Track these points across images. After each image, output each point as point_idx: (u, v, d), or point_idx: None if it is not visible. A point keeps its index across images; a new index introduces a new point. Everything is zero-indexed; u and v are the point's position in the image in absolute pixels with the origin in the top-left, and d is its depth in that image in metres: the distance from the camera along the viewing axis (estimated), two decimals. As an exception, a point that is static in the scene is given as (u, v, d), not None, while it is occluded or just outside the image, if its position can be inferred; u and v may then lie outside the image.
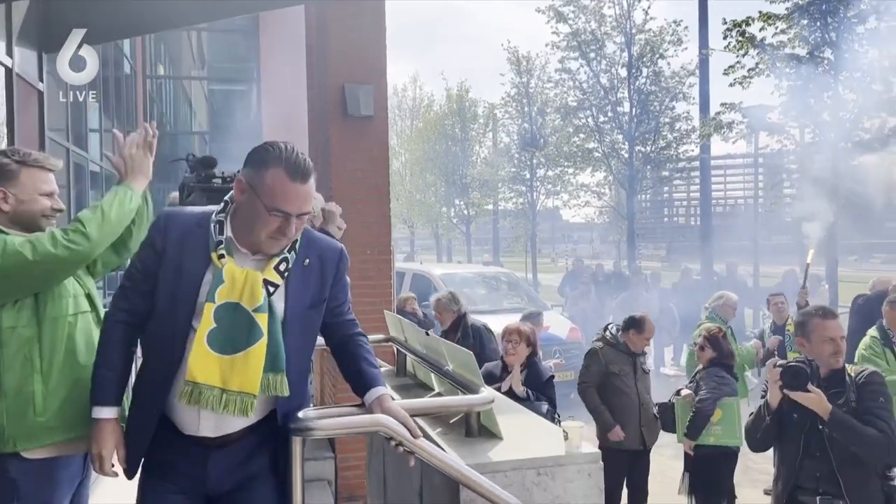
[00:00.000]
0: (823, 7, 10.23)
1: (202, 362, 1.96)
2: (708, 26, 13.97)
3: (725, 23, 11.22)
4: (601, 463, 2.50)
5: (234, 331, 1.97)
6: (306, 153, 2.05)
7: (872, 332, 5.72)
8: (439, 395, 3.36)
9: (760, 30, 11.05)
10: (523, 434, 2.67)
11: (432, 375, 3.52)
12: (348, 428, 2.19)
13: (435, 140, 26.61)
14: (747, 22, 11.07)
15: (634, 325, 5.07)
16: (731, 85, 11.44)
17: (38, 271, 2.14)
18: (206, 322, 1.96)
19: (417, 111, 31.28)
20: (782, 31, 10.96)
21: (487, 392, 2.56)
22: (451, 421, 2.81)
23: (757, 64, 10.99)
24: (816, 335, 3.11)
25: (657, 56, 15.49)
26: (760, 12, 11.06)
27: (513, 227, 23.66)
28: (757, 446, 3.42)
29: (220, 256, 2.00)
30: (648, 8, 15.62)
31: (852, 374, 3.16)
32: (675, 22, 15.67)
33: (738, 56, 11.13)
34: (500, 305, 10.90)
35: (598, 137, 15.79)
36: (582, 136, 16.52)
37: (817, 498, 3.09)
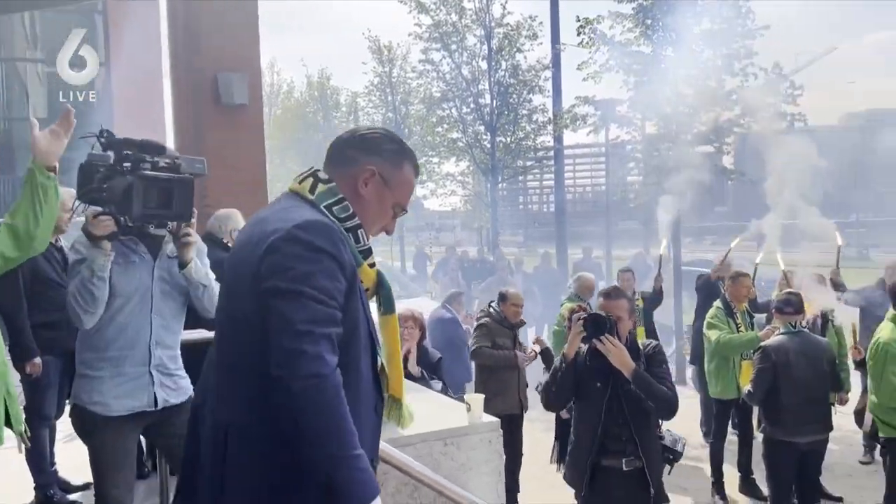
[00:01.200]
0: (665, 8, 11.09)
1: (399, 376, 1.89)
2: (559, 23, 14.78)
3: (579, 20, 11.91)
4: (500, 431, 2.73)
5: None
6: (168, 142, 2.12)
7: (717, 303, 6.47)
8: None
9: (610, 28, 11.83)
10: (427, 410, 2.85)
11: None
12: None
13: (296, 128, 26.16)
14: (598, 20, 11.82)
15: (503, 297, 5.86)
16: (584, 80, 12.18)
17: None
18: (392, 334, 1.89)
19: (276, 98, 30.54)
20: (629, 30, 11.77)
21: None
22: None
23: (607, 60, 11.76)
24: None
25: (515, 50, 16.13)
26: (609, 11, 11.84)
27: (379, 216, 23.80)
28: (552, 402, 3.74)
29: (372, 265, 1.82)
30: (506, 3, 16.22)
31: (641, 347, 3.68)
32: (530, 17, 16.37)
33: (590, 52, 11.86)
34: (374, 294, 11.00)
35: (462, 128, 16.24)
36: (446, 126, 16.93)
37: (623, 460, 3.51)
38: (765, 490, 5.89)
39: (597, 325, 3.44)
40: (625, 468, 3.50)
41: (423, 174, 19.15)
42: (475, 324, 5.96)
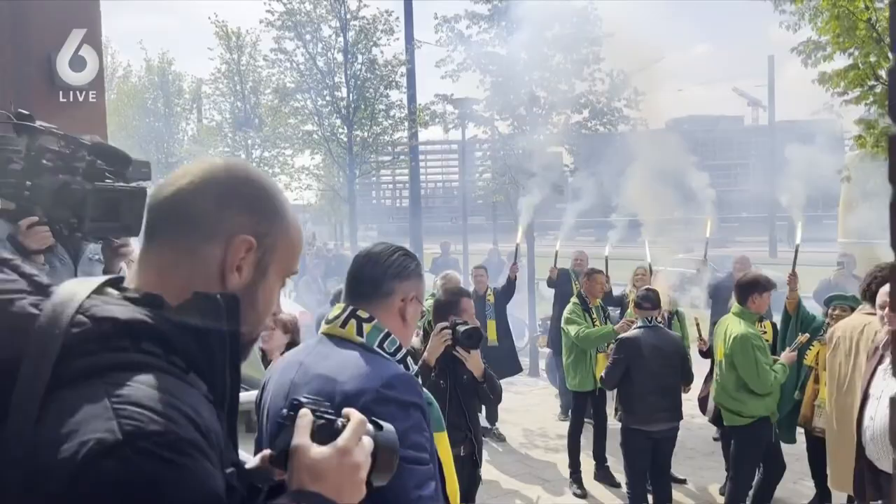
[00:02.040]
0: (519, 11, 11.41)
1: (455, 490, 2.02)
2: (413, 18, 14.83)
3: (437, 18, 12.00)
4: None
5: None
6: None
7: (574, 299, 6.73)
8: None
9: (467, 27, 12.02)
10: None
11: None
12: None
13: (133, 115, 24.39)
14: (456, 19, 11.97)
15: None
16: (442, 77, 12.28)
17: None
18: (445, 451, 1.98)
19: (110, 82, 28.32)
20: (485, 31, 12.02)
21: (270, 386, 2.53)
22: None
23: (465, 59, 11.93)
24: (467, 314, 3.78)
25: (371, 44, 15.94)
26: (466, 11, 12.03)
27: (228, 209, 22.74)
28: None
29: None
30: (362, -5, 15.97)
31: None
32: (387, 12, 16.25)
33: (448, 51, 11.98)
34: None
35: (318, 121, 15.83)
36: (300, 118, 16.43)
37: (461, 446, 3.79)
38: (619, 477, 6.21)
39: (471, 338, 3.59)
40: (462, 454, 3.78)
41: (275, 167, 18.50)
42: None
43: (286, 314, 4.40)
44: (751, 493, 5.18)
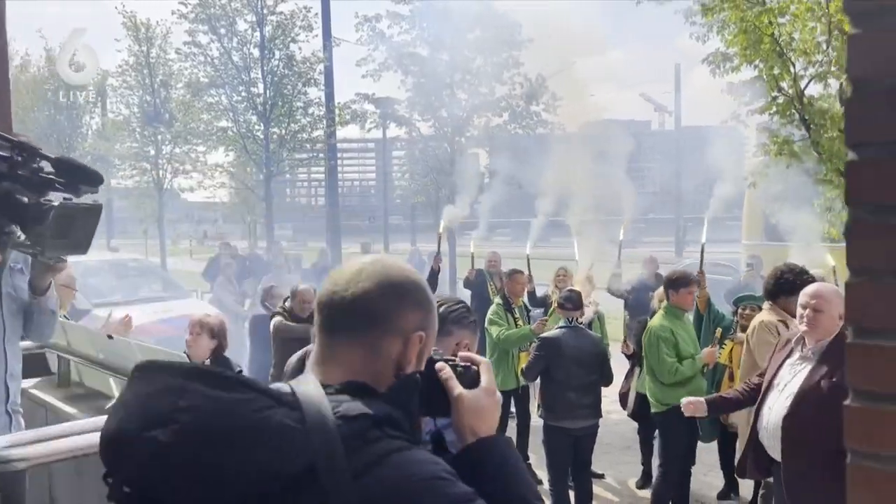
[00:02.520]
0: (440, 13, 11.50)
1: None
2: (330, 16, 14.70)
3: (357, 17, 11.93)
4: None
5: None
6: None
7: (497, 300, 6.82)
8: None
9: (388, 27, 12.01)
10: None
11: (111, 382, 3.20)
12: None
13: (32, 105, 23.04)
14: (377, 18, 11.94)
15: (293, 294, 5.92)
16: (363, 77, 12.22)
17: None
18: None
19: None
20: (406, 31, 12.05)
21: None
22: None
23: (386, 59, 11.91)
24: None
25: (289, 40, 15.70)
26: (388, 11, 12.03)
27: (137, 206, 21.75)
28: None
29: None
30: (280, -9, 15.70)
31: None
32: (305, 8, 16.02)
33: (369, 50, 11.94)
34: (136, 295, 10.09)
35: (233, 117, 15.45)
36: (213, 114, 16.00)
37: None
38: (540, 474, 6.33)
39: None
40: None
41: (187, 163, 17.92)
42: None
43: (213, 318, 4.28)
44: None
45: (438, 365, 1.29)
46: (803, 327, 3.46)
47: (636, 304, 7.85)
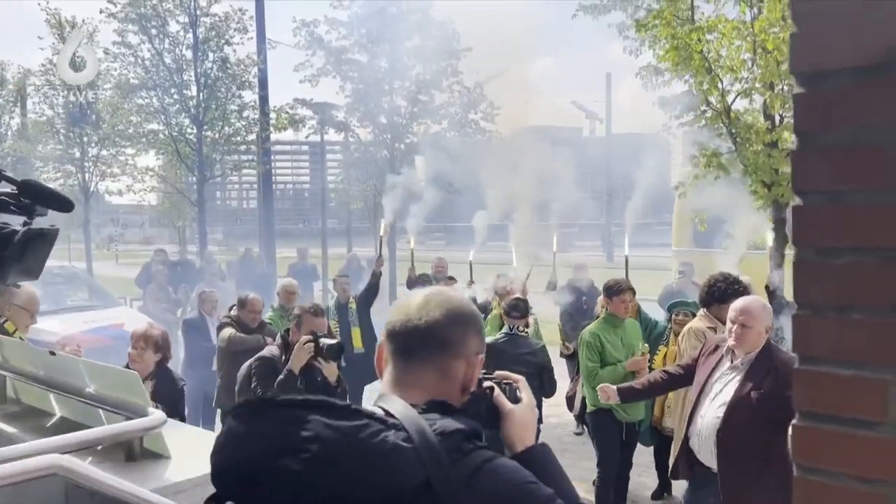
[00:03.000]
0: (379, 20, 11.52)
1: None
2: (265, 19, 14.52)
3: (296, 21, 11.83)
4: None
5: None
6: None
7: None
8: (65, 418, 3.00)
9: (326, 32, 11.95)
10: (194, 449, 2.59)
11: (51, 398, 3.12)
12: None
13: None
14: (315, 23, 11.87)
15: (242, 303, 5.88)
16: (301, 82, 12.13)
17: None
18: None
19: None
20: (344, 37, 12.01)
21: (158, 413, 2.42)
22: (101, 447, 2.56)
23: (325, 64, 11.85)
24: (305, 328, 4.26)
25: (223, 42, 15.40)
26: (326, 16, 11.97)
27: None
28: None
29: None
30: (214, -8, 15.39)
31: None
32: (240, 10, 15.76)
33: (307, 55, 11.85)
34: (63, 304, 9.71)
35: (164, 119, 15.04)
36: (144, 116, 15.54)
37: None
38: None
39: (337, 352, 4.16)
40: None
41: (114, 167, 17.35)
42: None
43: (156, 330, 4.20)
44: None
45: (487, 384, 1.48)
46: (731, 342, 3.66)
47: (570, 308, 8.03)
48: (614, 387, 4.34)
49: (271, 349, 4.49)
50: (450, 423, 1.24)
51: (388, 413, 1.24)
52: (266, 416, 1.17)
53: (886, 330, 0.86)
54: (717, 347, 3.92)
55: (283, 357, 4.28)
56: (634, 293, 5.82)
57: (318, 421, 1.14)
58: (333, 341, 4.19)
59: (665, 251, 17.95)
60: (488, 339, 5.58)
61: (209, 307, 7.34)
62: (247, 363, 4.45)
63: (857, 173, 0.88)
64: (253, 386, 4.25)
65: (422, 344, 1.38)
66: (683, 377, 4.15)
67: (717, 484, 3.63)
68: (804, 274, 0.93)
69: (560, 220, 9.34)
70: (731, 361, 3.72)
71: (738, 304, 3.72)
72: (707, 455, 3.71)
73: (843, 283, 0.89)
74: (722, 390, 3.70)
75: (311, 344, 4.04)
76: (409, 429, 1.19)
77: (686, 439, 3.87)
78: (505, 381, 1.53)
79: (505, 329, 5.52)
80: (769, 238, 6.82)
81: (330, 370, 4.23)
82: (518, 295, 6.13)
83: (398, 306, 1.43)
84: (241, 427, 1.17)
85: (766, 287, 6.76)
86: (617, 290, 5.35)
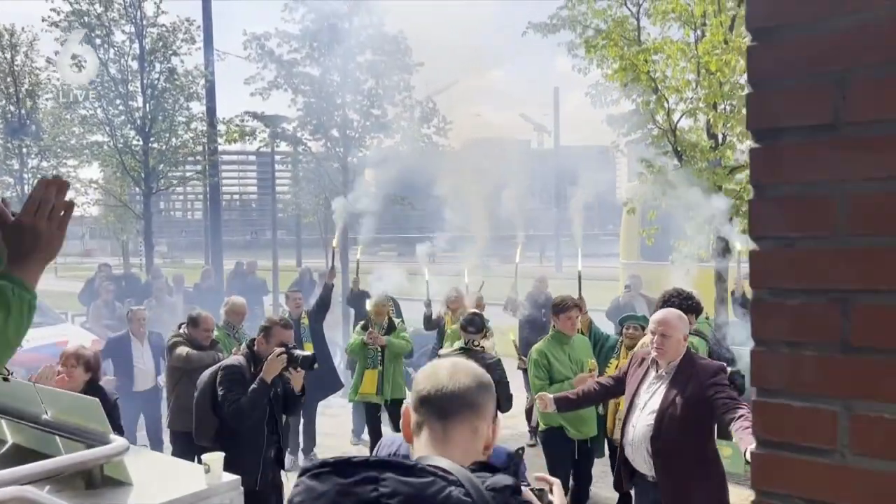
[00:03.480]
0: (331, 34, 11.51)
1: None
2: (212, 31, 14.36)
3: (246, 34, 11.73)
4: (241, 488, 2.59)
5: None
6: None
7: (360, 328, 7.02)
8: (18, 446, 2.93)
9: (277, 46, 11.87)
10: (156, 475, 2.57)
11: (3, 424, 3.05)
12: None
13: None
14: (266, 36, 11.79)
15: (194, 322, 5.77)
16: (252, 95, 12.02)
17: None
18: None
19: None
20: (296, 51, 11.94)
21: (120, 440, 2.40)
22: (61, 476, 2.52)
23: (276, 77, 11.77)
24: (275, 340, 4.42)
25: (171, 53, 15.15)
26: (277, 29, 11.89)
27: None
28: (253, 420, 4.39)
29: None
30: (161, 2, 15.13)
31: None
32: (187, 20, 15.54)
33: (258, 68, 11.75)
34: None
35: (109, 131, 14.68)
36: (87, 127, 15.13)
37: (271, 449, 4.50)
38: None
39: (311, 363, 4.39)
40: (272, 455, 4.43)
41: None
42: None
43: (88, 350, 4.15)
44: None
45: (525, 492, 1.66)
46: (654, 352, 3.83)
47: (527, 321, 8.16)
48: (551, 395, 4.46)
49: (237, 358, 4.51)
50: (501, 480, 1.39)
51: (442, 470, 1.37)
52: (345, 475, 1.30)
53: (834, 364, 0.95)
54: (643, 360, 4.09)
55: (251, 367, 4.34)
56: (581, 310, 5.91)
57: (392, 478, 1.28)
58: (307, 353, 4.48)
59: (611, 261, 18.31)
60: (442, 352, 5.64)
61: (136, 326, 7.14)
62: (208, 372, 4.46)
63: (806, 221, 0.97)
64: (221, 394, 4.23)
65: (457, 406, 1.56)
66: (616, 387, 4.35)
67: (656, 492, 3.77)
68: (760, 313, 1.01)
69: (510, 232, 9.44)
70: (657, 371, 3.89)
71: (657, 316, 3.93)
72: (642, 463, 3.86)
73: (794, 322, 0.98)
74: (650, 399, 3.87)
75: (285, 355, 4.21)
76: (466, 485, 1.33)
77: (622, 450, 4.02)
78: (538, 488, 1.76)
79: (459, 343, 5.55)
80: (736, 250, 7.06)
81: (297, 380, 4.41)
82: (473, 309, 6.19)
83: (427, 376, 1.61)
84: (320, 486, 1.30)
85: (732, 292, 7.02)
86: (563, 307, 5.42)
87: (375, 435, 6.87)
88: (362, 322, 6.99)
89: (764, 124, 1.00)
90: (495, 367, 5.65)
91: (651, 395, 3.86)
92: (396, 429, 6.99)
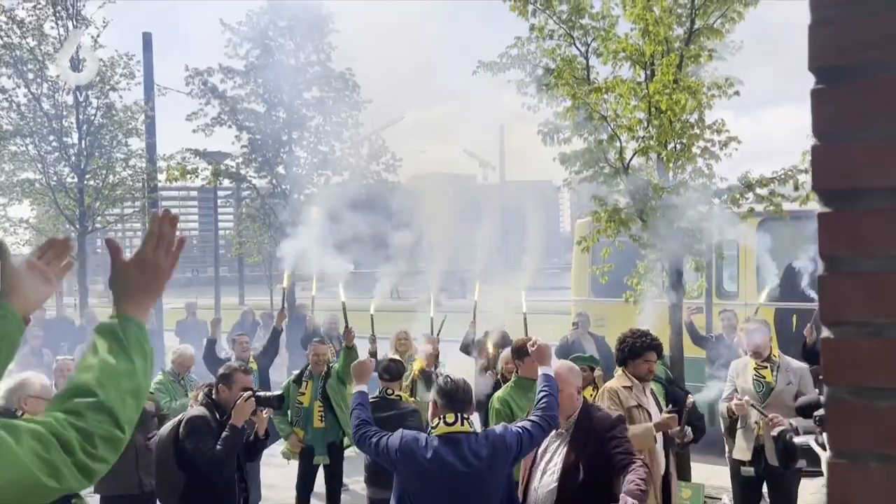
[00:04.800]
0: (275, 72, 11.29)
1: None
2: (153, 67, 13.95)
3: (188, 70, 11.41)
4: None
5: None
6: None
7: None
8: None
9: (221, 81, 11.58)
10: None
11: None
12: None
13: None
14: (209, 72, 11.49)
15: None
16: (194, 132, 11.66)
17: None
18: None
19: None
20: (240, 86, 11.67)
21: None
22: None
23: (219, 114, 11.46)
24: (238, 385, 4.33)
25: (108, 88, 14.65)
26: (220, 65, 11.61)
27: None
28: (227, 463, 4.28)
29: None
30: (98, 36, 14.67)
31: None
32: (126, 55, 15.10)
33: (201, 104, 11.42)
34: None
35: (42, 168, 14.03)
36: (18, 163, 14.44)
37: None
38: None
39: (279, 402, 4.54)
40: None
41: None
42: None
43: None
44: None
45: None
46: None
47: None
48: None
49: (198, 409, 4.38)
50: None
51: None
52: None
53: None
54: None
55: (214, 416, 4.25)
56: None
57: None
58: (275, 393, 4.62)
59: (557, 294, 18.30)
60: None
61: (60, 378, 6.70)
62: (166, 428, 4.25)
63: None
64: (191, 447, 4.04)
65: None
66: None
67: None
68: (840, 417, 0.82)
69: (459, 267, 9.28)
70: (555, 430, 3.70)
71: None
72: None
73: (887, 429, 0.79)
74: (551, 460, 3.71)
75: (253, 398, 4.20)
76: None
77: None
78: None
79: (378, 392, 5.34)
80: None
81: (262, 424, 4.41)
82: (427, 349, 5.96)
83: None
84: None
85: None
86: (526, 351, 5.20)
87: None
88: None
89: (835, 184, 0.82)
90: (410, 417, 5.31)
91: (552, 455, 3.71)
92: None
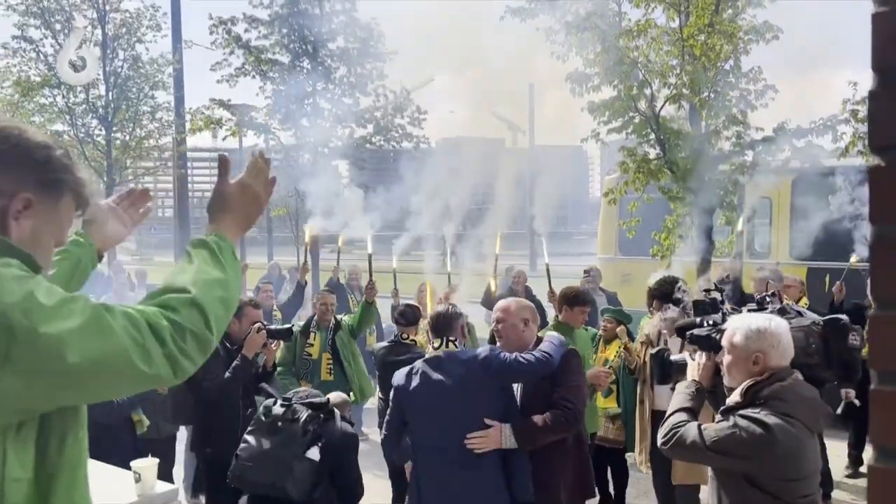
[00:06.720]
0: (301, 21, 11.08)
1: None
2: (181, 16, 13.82)
3: (212, 19, 11.25)
4: (180, 499, 2.23)
5: None
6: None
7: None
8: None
9: (245, 31, 11.41)
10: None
11: None
12: None
13: None
14: (233, 21, 11.31)
15: None
16: (218, 82, 11.55)
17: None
18: None
19: None
20: (265, 37, 11.49)
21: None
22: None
23: (244, 64, 11.32)
24: (247, 319, 4.38)
25: (135, 40, 14.60)
26: (245, 14, 11.43)
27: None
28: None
29: None
30: (125, -13, 14.58)
31: None
32: (153, 6, 15.00)
33: (225, 54, 11.29)
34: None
35: (70, 120, 14.09)
36: (47, 116, 14.52)
37: None
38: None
39: (288, 334, 4.71)
40: None
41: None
42: None
43: None
44: None
45: None
46: (500, 343, 3.63)
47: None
48: None
49: None
50: None
51: None
52: None
53: None
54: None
55: (224, 346, 4.29)
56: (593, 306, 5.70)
57: None
58: (284, 326, 4.88)
59: (584, 260, 18.07)
60: (376, 346, 5.35)
61: None
62: None
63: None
64: (198, 376, 3.99)
65: None
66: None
67: None
68: (889, 411, 0.66)
69: (500, 229, 9.12)
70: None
71: (498, 304, 3.75)
72: None
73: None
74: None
75: (265, 331, 4.31)
76: None
77: None
78: None
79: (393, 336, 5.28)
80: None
81: (271, 356, 4.54)
82: (410, 302, 5.88)
83: None
84: None
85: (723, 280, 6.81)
86: (581, 300, 5.05)
87: None
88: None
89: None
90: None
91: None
92: None
